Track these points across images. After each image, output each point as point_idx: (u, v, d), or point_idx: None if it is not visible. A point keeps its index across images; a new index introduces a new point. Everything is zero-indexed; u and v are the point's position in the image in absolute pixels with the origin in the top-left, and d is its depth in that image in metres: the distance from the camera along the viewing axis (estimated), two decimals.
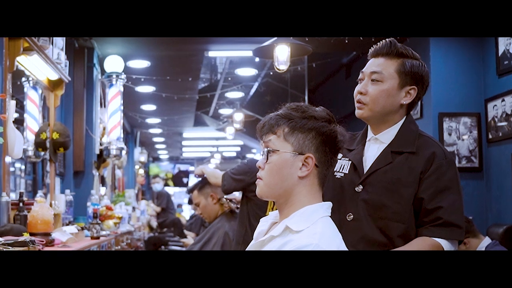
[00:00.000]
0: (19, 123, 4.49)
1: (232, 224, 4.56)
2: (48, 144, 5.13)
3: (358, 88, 2.49)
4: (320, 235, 1.74)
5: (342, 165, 2.53)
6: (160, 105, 10.78)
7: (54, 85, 5.35)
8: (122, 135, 6.98)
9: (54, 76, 5.16)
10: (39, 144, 5.00)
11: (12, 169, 4.25)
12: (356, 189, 2.44)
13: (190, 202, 8.14)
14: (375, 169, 2.43)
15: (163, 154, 21.94)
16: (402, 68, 2.42)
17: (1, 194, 3.88)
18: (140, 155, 14.92)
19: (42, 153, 5.15)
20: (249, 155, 20.86)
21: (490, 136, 5.22)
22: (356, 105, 2.49)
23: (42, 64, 4.64)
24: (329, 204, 1.91)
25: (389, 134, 2.49)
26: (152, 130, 14.32)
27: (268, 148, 1.88)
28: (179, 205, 18.77)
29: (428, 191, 2.35)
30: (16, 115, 4.08)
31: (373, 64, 2.48)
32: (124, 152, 7.08)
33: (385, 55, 2.45)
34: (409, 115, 2.53)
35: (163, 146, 19.02)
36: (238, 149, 20.10)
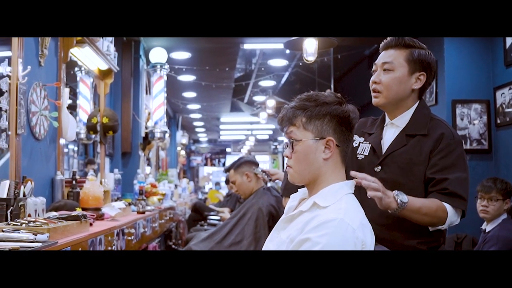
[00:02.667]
0: (72, 108, 4.51)
1: (265, 200, 4.55)
2: (98, 128, 5.16)
3: (372, 78, 2.55)
4: (344, 211, 1.76)
5: (363, 148, 2.60)
6: (199, 93, 10.79)
7: (104, 74, 5.38)
8: (165, 120, 7.00)
9: (104, 66, 5.18)
10: (90, 128, 5.03)
11: (66, 150, 4.27)
12: (375, 169, 2.51)
13: (227, 181, 8.13)
14: (391, 151, 2.50)
15: (202, 137, 22.00)
16: (411, 57, 2.48)
17: (56, 173, 3.91)
18: (181, 137, 14.98)
19: (93, 135, 5.17)
20: (280, 138, 20.86)
21: (498, 121, 5.24)
22: (372, 94, 2.55)
23: (93, 55, 4.67)
24: (352, 182, 1.95)
25: (404, 119, 2.55)
26: (192, 115, 14.36)
27: (292, 139, 1.91)
28: (217, 183, 18.84)
29: (435, 168, 2.42)
30: (69, 101, 4.10)
31: (384, 56, 2.54)
32: (167, 135, 7.09)
33: (394, 46, 2.52)
34: (422, 100, 2.59)
35: (202, 129, 19.07)
36: (270, 132, 20.06)
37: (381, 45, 2.59)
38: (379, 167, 2.51)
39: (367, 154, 2.58)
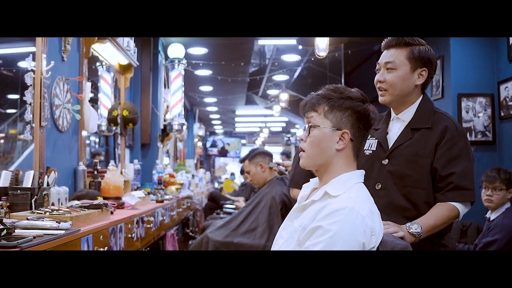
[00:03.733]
0: (93, 102, 4.52)
1: (278, 189, 4.55)
2: (119, 120, 5.16)
3: (377, 77, 2.59)
4: (354, 199, 1.77)
5: (370, 143, 2.64)
6: (216, 86, 10.80)
7: (124, 69, 5.38)
8: (183, 112, 7.00)
9: (124, 61, 5.19)
10: (111, 120, 5.03)
11: (87, 141, 4.27)
12: (382, 162, 2.55)
13: (242, 172, 8.13)
14: (397, 145, 2.54)
15: (218, 129, 22.01)
16: (412, 55, 2.52)
17: (78, 163, 3.92)
18: (198, 129, 15.01)
19: (114, 128, 5.17)
20: (293, 130, 20.84)
21: (502, 114, 5.24)
22: (378, 92, 2.59)
23: (114, 51, 4.67)
24: (362, 172, 1.95)
25: (408, 113, 2.59)
26: (209, 108, 14.39)
27: (310, 124, 1.92)
28: (232, 174, 18.84)
29: (441, 160, 2.44)
30: (91, 95, 4.10)
31: (386, 56, 2.58)
32: (184, 127, 7.09)
33: (395, 46, 2.56)
34: (425, 95, 2.62)
35: (219, 122, 19.09)
36: (284, 124, 20.03)
37: (382, 44, 2.62)
38: (387, 160, 2.55)
39: (374, 149, 2.61)
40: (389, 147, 2.57)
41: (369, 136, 2.58)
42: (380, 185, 2.53)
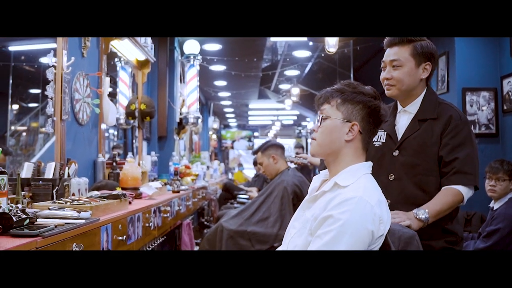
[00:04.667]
0: (112, 96, 4.51)
1: (289, 180, 4.55)
2: (136, 114, 5.16)
3: (383, 75, 2.62)
4: (363, 189, 1.78)
5: (379, 135, 2.66)
6: (229, 81, 10.79)
7: (141, 64, 5.38)
8: (198, 106, 6.99)
9: (142, 57, 5.18)
10: (129, 114, 5.04)
11: (106, 134, 4.28)
12: (393, 153, 2.59)
13: (255, 163, 8.12)
14: (406, 136, 2.58)
15: (232, 122, 22.02)
16: (415, 51, 2.55)
17: (98, 155, 3.92)
18: (213, 122, 15.00)
19: (132, 121, 5.18)
20: (304, 123, 20.80)
21: (505, 107, 5.23)
22: (385, 87, 2.63)
23: (132, 47, 4.66)
24: (370, 163, 1.95)
25: (415, 105, 2.62)
26: (223, 102, 14.38)
27: (322, 115, 1.95)
28: (240, 164, 18.83)
29: (446, 147, 2.48)
30: (110, 89, 4.10)
31: (390, 54, 2.60)
32: (199, 120, 7.08)
33: (398, 43, 2.58)
34: (429, 87, 2.65)
35: (232, 115, 19.09)
36: (295, 118, 20.00)
37: (384, 42, 2.65)
38: (397, 152, 2.58)
39: (384, 140, 2.64)
40: (398, 139, 2.61)
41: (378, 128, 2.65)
42: (393, 176, 2.56)
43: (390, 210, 2.43)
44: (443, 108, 2.58)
